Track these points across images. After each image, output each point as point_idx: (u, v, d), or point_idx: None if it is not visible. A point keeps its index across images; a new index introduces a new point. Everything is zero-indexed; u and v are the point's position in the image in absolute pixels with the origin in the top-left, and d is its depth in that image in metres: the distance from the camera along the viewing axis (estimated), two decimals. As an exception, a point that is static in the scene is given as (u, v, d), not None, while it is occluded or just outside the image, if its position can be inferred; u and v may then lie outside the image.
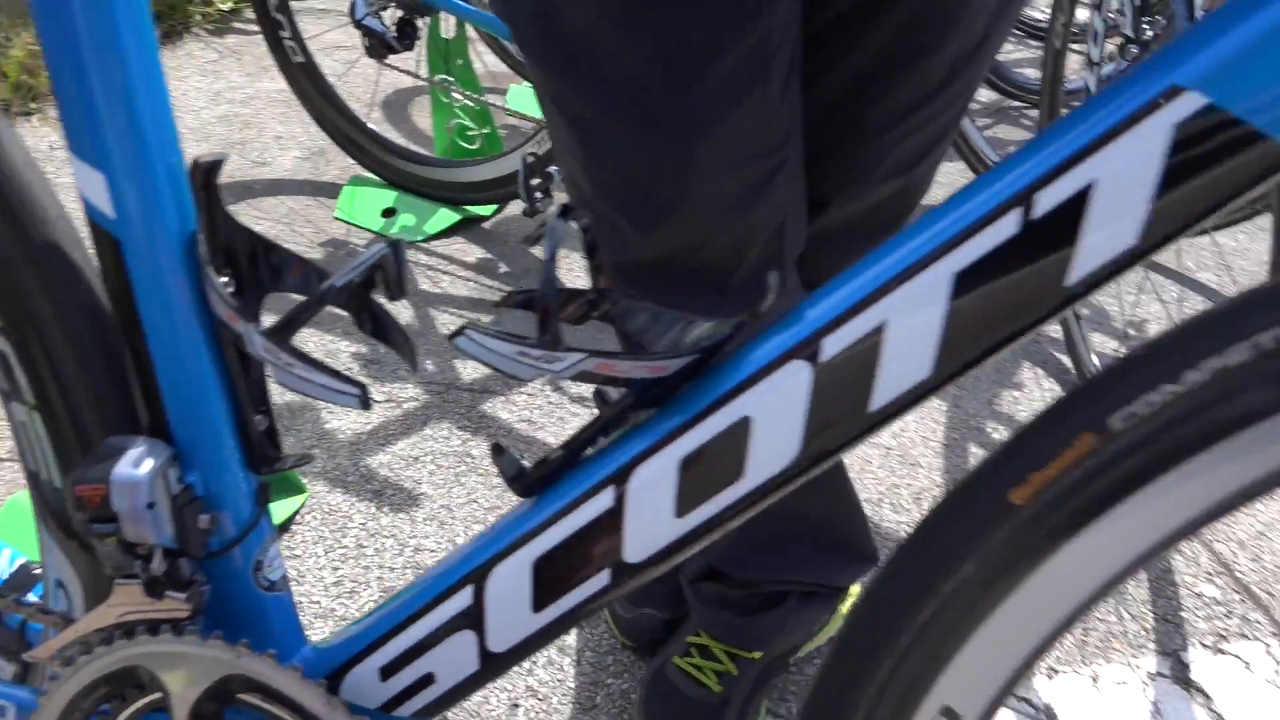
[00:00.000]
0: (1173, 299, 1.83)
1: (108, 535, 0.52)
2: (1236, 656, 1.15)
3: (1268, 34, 0.36)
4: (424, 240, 1.86)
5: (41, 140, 2.08)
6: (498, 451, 0.52)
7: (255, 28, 1.97)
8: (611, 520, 0.49)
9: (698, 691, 0.99)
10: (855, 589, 1.10)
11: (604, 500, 0.49)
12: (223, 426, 0.54)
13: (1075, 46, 1.72)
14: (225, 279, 0.52)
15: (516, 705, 1.05)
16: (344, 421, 1.42)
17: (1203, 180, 0.38)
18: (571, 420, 1.45)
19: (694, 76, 0.63)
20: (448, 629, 0.53)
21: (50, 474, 0.59)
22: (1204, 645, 1.16)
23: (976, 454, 1.44)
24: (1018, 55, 2.85)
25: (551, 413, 1.46)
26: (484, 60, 2.21)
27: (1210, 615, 1.20)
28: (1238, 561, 1.29)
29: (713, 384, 0.46)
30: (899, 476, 1.39)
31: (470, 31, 1.98)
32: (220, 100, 2.34)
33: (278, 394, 1.45)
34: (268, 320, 0.50)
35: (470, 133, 1.98)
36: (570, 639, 1.13)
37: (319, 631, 1.14)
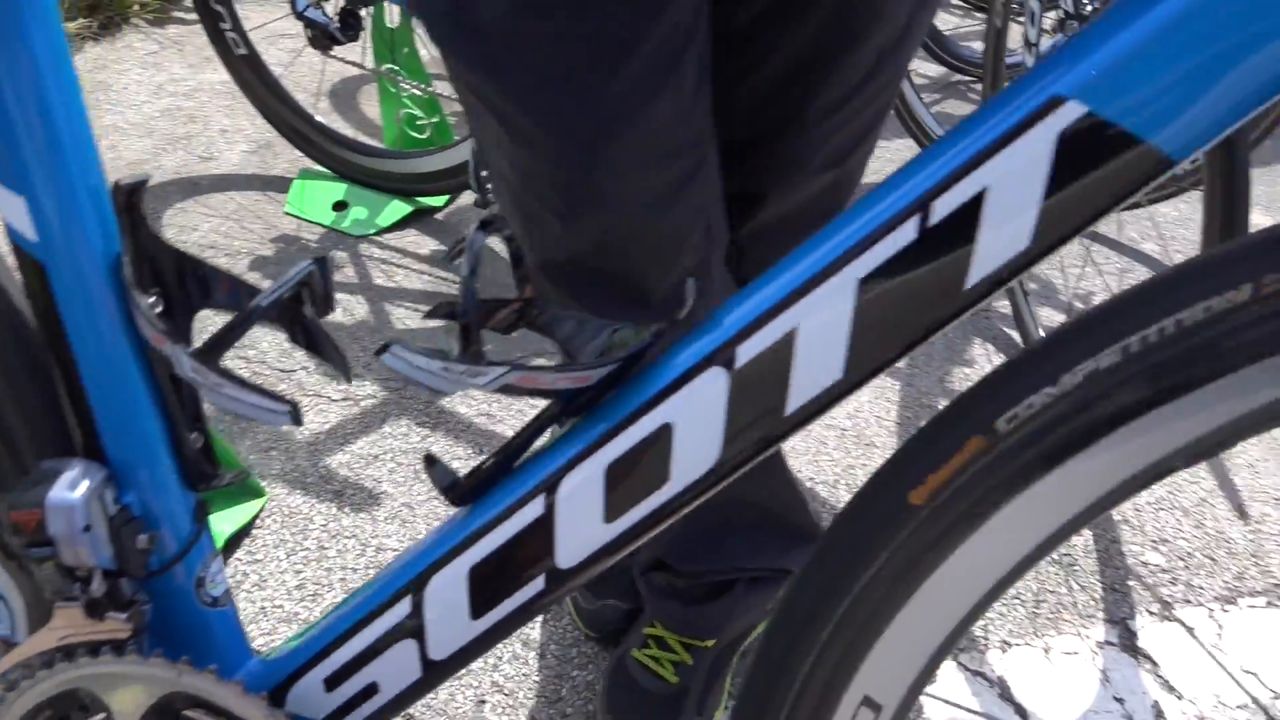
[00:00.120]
0: (1116, 271, 1.87)
1: (45, 559, 0.53)
2: (1181, 622, 1.19)
3: (1142, 43, 0.38)
4: (376, 233, 1.86)
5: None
6: (430, 462, 0.53)
7: (196, 16, 1.95)
8: (543, 528, 0.50)
9: (656, 684, 1.01)
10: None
11: (534, 509, 0.50)
12: (157, 446, 0.55)
13: (1021, 19, 1.74)
14: (153, 299, 0.53)
15: (483, 701, 1.07)
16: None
17: (1089, 184, 0.40)
18: (529, 413, 1.46)
19: (607, 72, 0.64)
20: (389, 639, 0.54)
21: (-13, 498, 0.60)
22: (1150, 613, 1.20)
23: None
24: (965, 29, 2.88)
25: (509, 405, 1.47)
26: (430, 49, 2.19)
27: (1156, 583, 1.24)
28: (1181, 530, 1.33)
29: (634, 392, 0.48)
30: (854, 457, 1.42)
31: (415, 20, 1.97)
32: (163, 93, 2.31)
33: (231, 396, 1.45)
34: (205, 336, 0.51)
35: (420, 122, 1.98)
36: (534, 632, 1.15)
37: (282, 636, 1.15)
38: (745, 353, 0.45)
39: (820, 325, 0.44)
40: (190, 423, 0.56)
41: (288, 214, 1.89)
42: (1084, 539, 1.30)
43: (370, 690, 0.56)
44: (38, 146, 0.49)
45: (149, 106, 2.25)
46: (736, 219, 0.86)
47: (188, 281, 0.54)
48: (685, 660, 1.02)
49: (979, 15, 2.93)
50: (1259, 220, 1.92)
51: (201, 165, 2.03)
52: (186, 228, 1.83)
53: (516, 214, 0.74)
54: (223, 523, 1.27)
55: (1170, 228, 2.04)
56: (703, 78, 0.70)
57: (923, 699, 1.07)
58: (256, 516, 1.29)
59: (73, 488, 0.53)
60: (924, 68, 2.63)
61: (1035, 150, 0.40)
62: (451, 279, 1.74)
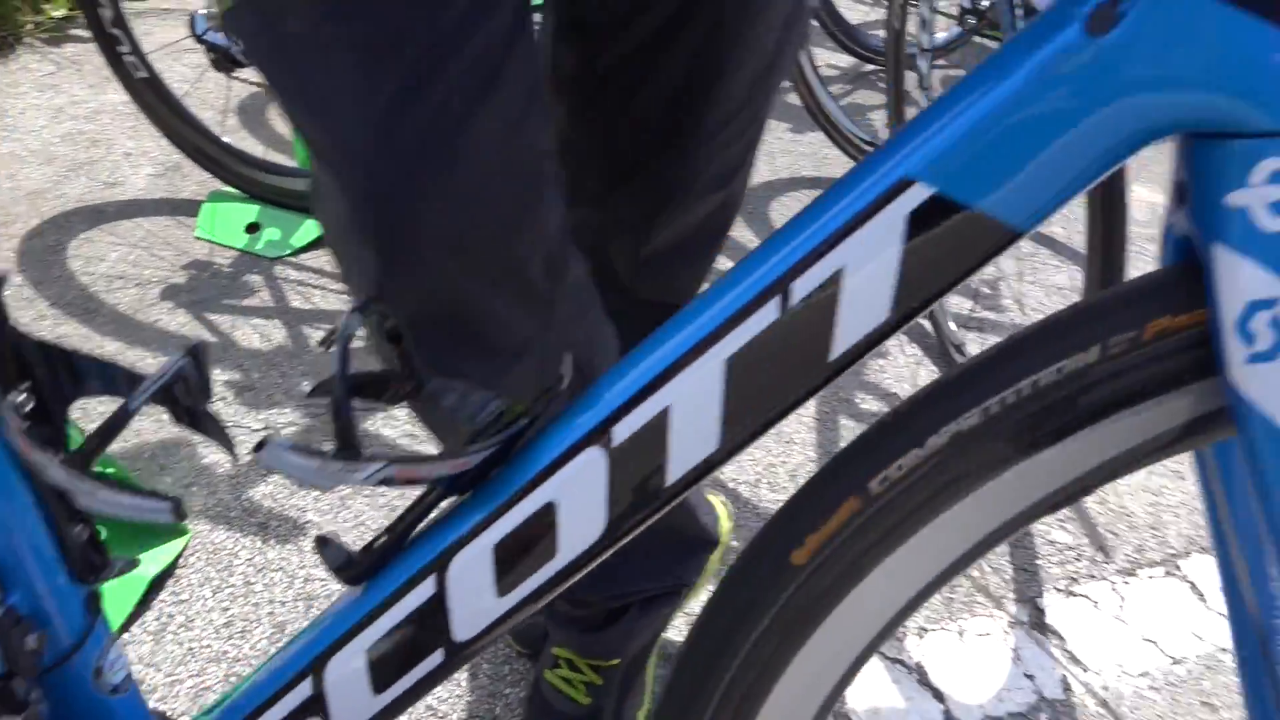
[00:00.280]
0: (1025, 254, 1.90)
1: (-71, 669, 0.51)
2: (1086, 597, 1.23)
3: (982, 125, 0.38)
4: (291, 254, 1.82)
5: None
6: (323, 543, 0.52)
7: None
8: (437, 605, 0.50)
9: (569, 706, 1.01)
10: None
11: (426, 589, 0.49)
12: (40, 544, 0.53)
13: (918, 4, 1.75)
14: (22, 396, 0.51)
15: (415, 725, 1.06)
16: (222, 456, 1.39)
17: (941, 259, 0.41)
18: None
19: (416, 85, 0.61)
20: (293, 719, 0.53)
21: None
22: (1057, 590, 1.23)
23: (849, 426, 1.49)
24: (873, 17, 2.90)
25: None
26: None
27: (1063, 560, 1.28)
28: (1087, 503, 1.37)
29: (516, 473, 0.47)
30: (775, 456, 1.43)
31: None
32: (62, 117, 2.22)
33: (151, 431, 1.41)
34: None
35: (329, 138, 1.93)
36: (464, 653, 1.14)
37: (212, 677, 1.12)
38: (621, 432, 0.45)
39: (692, 403, 0.44)
40: (72, 516, 0.54)
41: (199, 238, 1.84)
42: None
43: (278, 771, 0.55)
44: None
45: (48, 132, 2.16)
46: (630, 245, 0.87)
47: (59, 373, 0.52)
48: (595, 680, 1.02)
49: (886, 3, 2.95)
50: (1152, 198, 1.98)
51: (107, 191, 1.96)
52: (94, 258, 1.76)
53: (341, 256, 0.70)
54: (146, 564, 1.23)
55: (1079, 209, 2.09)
56: (532, 102, 0.66)
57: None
58: (180, 555, 1.26)
59: (-48, 595, 0.50)
60: (834, 59, 2.64)
61: (887, 230, 0.40)
62: (370, 296, 1.71)
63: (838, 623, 0.47)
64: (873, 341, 0.43)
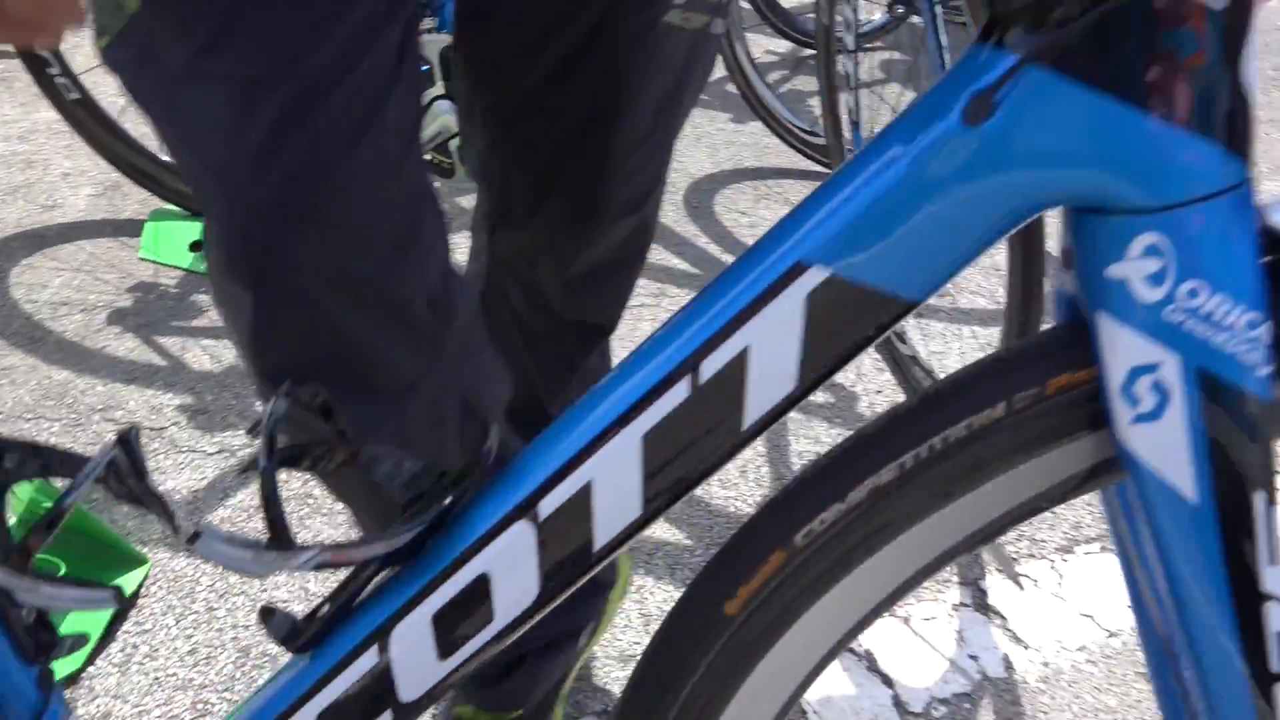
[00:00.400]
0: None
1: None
2: (1026, 576, 1.26)
3: (869, 207, 0.40)
4: (238, 269, 1.79)
5: None
6: (267, 614, 0.53)
7: (23, 55, 1.83)
8: (381, 672, 0.51)
9: None
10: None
11: (370, 657, 0.50)
12: (-14, 630, 0.53)
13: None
14: (-41, 488, 0.51)
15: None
16: (178, 481, 1.38)
17: (840, 332, 0.42)
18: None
19: (294, 120, 0.61)
20: (247, 786, 0.54)
21: None
22: (998, 571, 1.27)
23: (794, 417, 1.51)
24: (809, 0, 2.90)
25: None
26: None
27: (1003, 541, 1.31)
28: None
29: (448, 547, 0.48)
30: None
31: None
32: (-3, 138, 2.17)
33: (103, 461, 1.39)
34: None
35: (270, 150, 1.90)
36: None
37: (179, 705, 1.12)
38: (547, 506, 0.46)
39: (613, 477, 0.45)
40: (13, 600, 0.54)
41: (143, 259, 1.81)
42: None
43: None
44: None
45: (-18, 154, 2.11)
46: (554, 268, 0.91)
47: (-5, 462, 0.52)
48: None
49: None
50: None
51: (45, 215, 1.92)
52: (36, 285, 1.73)
53: (223, 304, 0.69)
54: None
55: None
56: (411, 144, 0.67)
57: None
58: (142, 585, 1.25)
59: (-100, 688, 0.50)
60: (772, 44, 2.64)
61: (788, 311, 0.41)
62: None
63: (770, 666, 0.49)
64: (783, 410, 0.44)
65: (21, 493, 1.10)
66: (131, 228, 1.89)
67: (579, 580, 0.49)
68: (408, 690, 0.51)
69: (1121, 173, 0.37)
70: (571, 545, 0.47)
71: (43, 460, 0.52)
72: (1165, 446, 0.40)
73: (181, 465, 1.40)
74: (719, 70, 2.12)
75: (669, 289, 1.77)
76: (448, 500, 0.48)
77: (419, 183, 0.68)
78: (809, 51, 2.62)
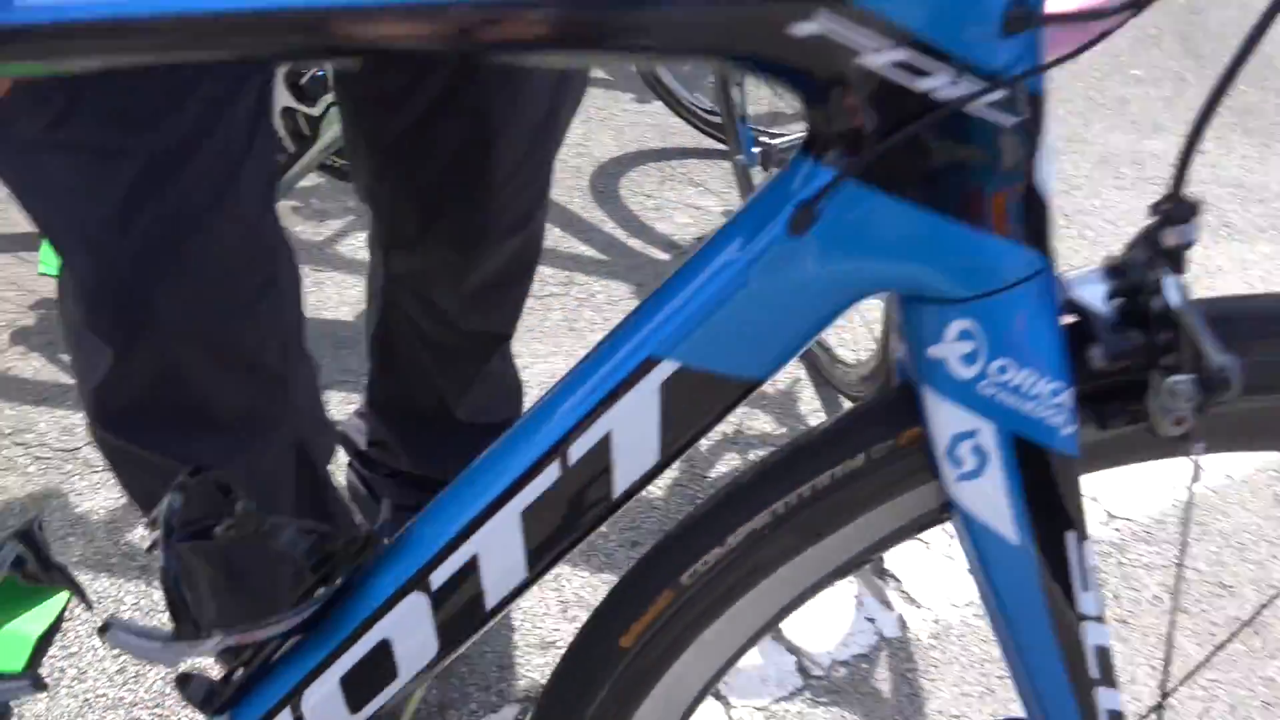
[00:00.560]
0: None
1: None
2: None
3: (708, 306, 0.42)
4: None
5: None
6: (184, 681, 0.54)
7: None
8: (297, 730, 0.53)
9: None
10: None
11: (285, 717, 0.52)
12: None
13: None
14: None
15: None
16: (94, 502, 1.36)
17: (695, 412, 0.45)
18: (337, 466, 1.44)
19: (153, 189, 0.63)
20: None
21: None
22: (869, 589, 1.33)
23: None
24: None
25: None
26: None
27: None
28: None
29: (350, 616, 0.50)
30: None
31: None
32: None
33: (18, 486, 1.37)
34: None
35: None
36: None
37: (112, 724, 1.13)
38: (438, 578, 0.48)
39: (496, 548, 0.47)
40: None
41: (43, 275, 1.74)
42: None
43: None
44: None
45: None
46: (449, 285, 0.94)
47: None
48: None
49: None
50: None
51: (-64, 229, 1.84)
52: (-68, 306, 1.66)
53: (75, 353, 0.72)
54: (29, 623, 1.21)
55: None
56: (268, 197, 0.70)
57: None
58: (64, 609, 1.23)
59: None
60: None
61: (644, 399, 0.44)
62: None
63: (663, 691, 0.53)
64: (650, 478, 0.47)
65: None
66: (28, 241, 1.81)
67: (477, 633, 0.52)
68: (323, 744, 0.54)
69: (933, 269, 0.40)
70: (465, 608, 0.49)
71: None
72: (988, 499, 0.44)
73: (97, 486, 1.37)
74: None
75: (577, 276, 1.78)
76: (332, 591, 0.49)
77: (274, 235, 0.71)
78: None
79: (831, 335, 1.57)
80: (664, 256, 1.82)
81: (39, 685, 0.50)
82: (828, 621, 1.22)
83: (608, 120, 2.26)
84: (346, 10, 0.34)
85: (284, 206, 1.86)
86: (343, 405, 1.51)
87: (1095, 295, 0.42)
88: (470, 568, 0.48)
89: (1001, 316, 0.41)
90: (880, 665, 1.18)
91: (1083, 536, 0.46)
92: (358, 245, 1.80)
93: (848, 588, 1.26)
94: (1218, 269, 1.85)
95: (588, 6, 0.35)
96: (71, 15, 0.33)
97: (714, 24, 0.36)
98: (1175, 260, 0.39)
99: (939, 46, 0.36)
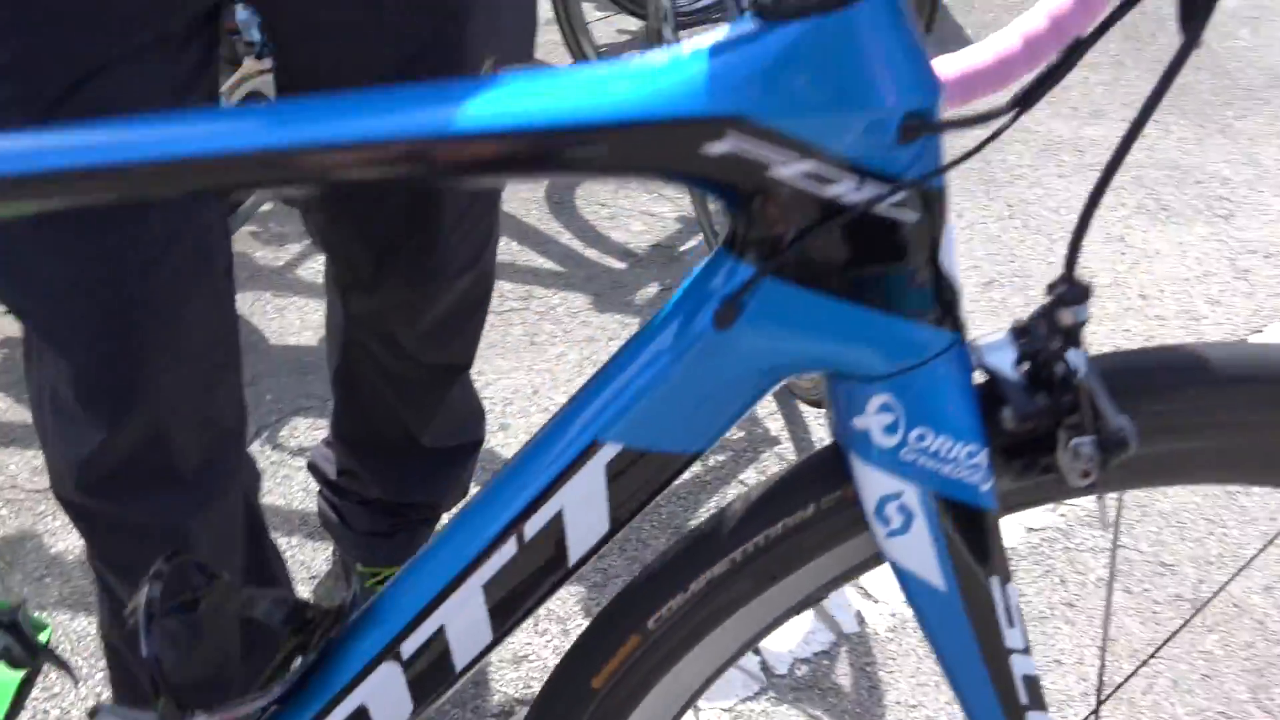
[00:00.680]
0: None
1: None
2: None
3: (643, 392, 0.45)
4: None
5: None
6: None
7: None
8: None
9: None
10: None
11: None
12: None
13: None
14: None
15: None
16: (68, 541, 1.36)
17: (639, 486, 0.48)
18: (307, 493, 1.45)
19: (137, 279, 0.69)
20: None
21: None
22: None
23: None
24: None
25: (283, 489, 1.46)
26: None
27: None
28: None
29: (326, 687, 0.52)
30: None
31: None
32: None
33: (-11, 527, 1.36)
34: None
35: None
36: None
37: (98, 763, 1.13)
38: (408, 648, 0.50)
39: (461, 618, 0.50)
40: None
41: (8, 313, 1.73)
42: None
43: None
44: None
45: None
46: (406, 321, 0.97)
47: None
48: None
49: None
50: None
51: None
52: (-108, 347, 1.64)
53: (53, 424, 0.76)
54: (6, 671, 1.21)
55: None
56: (229, 276, 0.77)
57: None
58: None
59: None
60: (624, 23, 2.61)
61: (591, 478, 0.46)
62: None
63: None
64: (602, 544, 0.49)
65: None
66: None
67: (450, 690, 0.54)
68: (307, 803, 0.56)
69: (851, 352, 0.43)
70: (435, 670, 0.52)
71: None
72: (916, 552, 0.47)
73: (69, 525, 1.37)
74: (568, 57, 2.12)
75: (536, 290, 1.79)
76: (304, 668, 0.51)
77: (234, 311, 0.80)
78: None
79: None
80: (621, 265, 1.84)
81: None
82: (789, 621, 1.26)
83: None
84: (291, 151, 0.36)
85: (243, 232, 1.85)
86: (310, 431, 1.52)
87: (1005, 361, 0.45)
88: (438, 636, 0.50)
89: (917, 390, 0.44)
90: (841, 661, 1.22)
91: (1005, 580, 0.49)
92: (318, 269, 1.80)
93: (809, 587, 1.30)
94: (1156, 252, 1.89)
95: (528, 138, 0.37)
96: (44, 165, 0.35)
97: (639, 147, 0.38)
98: (1073, 337, 0.42)
99: (842, 157, 0.39)
